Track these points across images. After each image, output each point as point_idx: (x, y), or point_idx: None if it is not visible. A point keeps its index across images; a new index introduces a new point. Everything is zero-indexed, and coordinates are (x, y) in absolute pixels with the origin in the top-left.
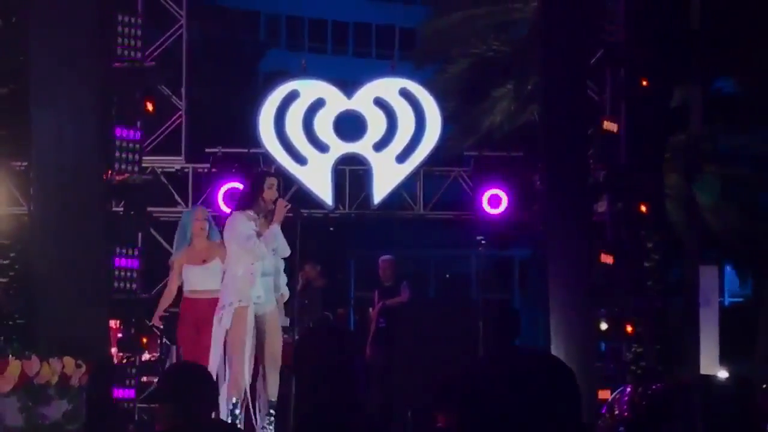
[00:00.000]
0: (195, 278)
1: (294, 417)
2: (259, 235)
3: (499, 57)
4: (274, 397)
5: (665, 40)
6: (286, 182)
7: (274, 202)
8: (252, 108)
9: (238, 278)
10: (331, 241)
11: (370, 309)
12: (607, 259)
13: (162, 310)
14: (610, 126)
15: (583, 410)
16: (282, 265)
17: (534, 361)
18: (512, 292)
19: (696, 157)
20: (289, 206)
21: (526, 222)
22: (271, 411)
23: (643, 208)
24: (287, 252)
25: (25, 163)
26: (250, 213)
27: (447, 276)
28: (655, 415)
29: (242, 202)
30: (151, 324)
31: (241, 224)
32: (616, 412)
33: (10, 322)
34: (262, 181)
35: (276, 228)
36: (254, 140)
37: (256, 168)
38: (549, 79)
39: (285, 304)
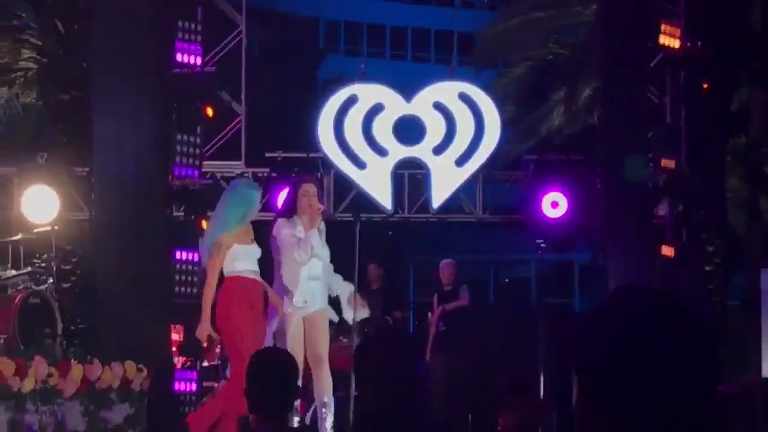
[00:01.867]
0: (251, 257)
1: (355, 419)
2: (298, 241)
3: (560, 60)
4: (328, 396)
5: (726, 43)
6: (346, 186)
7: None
8: (311, 112)
9: (283, 284)
10: (391, 245)
11: (429, 313)
12: (668, 251)
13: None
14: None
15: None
16: (331, 266)
17: (664, 301)
18: (572, 297)
19: (757, 160)
20: (322, 208)
21: (586, 225)
22: (324, 410)
23: (704, 212)
24: (327, 257)
25: (86, 169)
26: (294, 219)
27: (507, 281)
28: None
29: (283, 209)
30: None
31: (282, 231)
32: None
33: (72, 327)
34: (297, 189)
35: (310, 234)
36: (314, 145)
37: (298, 175)
38: (608, 82)
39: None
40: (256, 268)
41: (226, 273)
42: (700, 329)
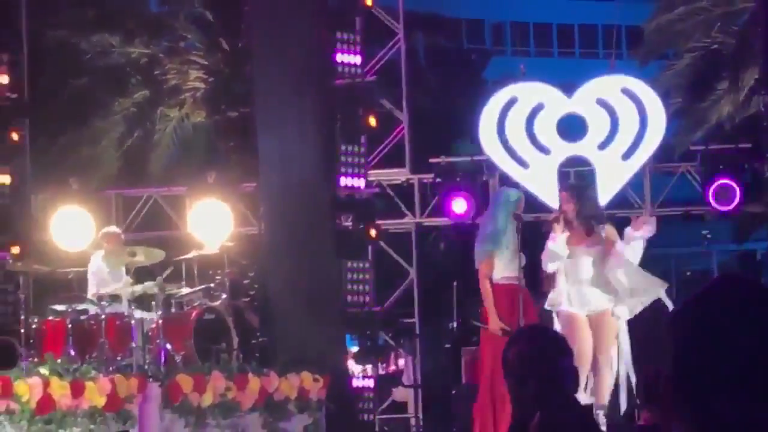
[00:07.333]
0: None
1: None
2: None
3: (724, 49)
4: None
5: None
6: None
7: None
8: (477, 115)
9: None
10: None
11: None
12: None
13: None
14: None
15: None
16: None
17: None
18: None
19: None
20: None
21: (759, 214)
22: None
23: None
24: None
25: (254, 184)
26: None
27: (688, 273)
28: None
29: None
30: None
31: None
32: None
33: (253, 341)
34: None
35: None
36: (478, 148)
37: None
38: None
39: None
40: None
41: None
42: None
